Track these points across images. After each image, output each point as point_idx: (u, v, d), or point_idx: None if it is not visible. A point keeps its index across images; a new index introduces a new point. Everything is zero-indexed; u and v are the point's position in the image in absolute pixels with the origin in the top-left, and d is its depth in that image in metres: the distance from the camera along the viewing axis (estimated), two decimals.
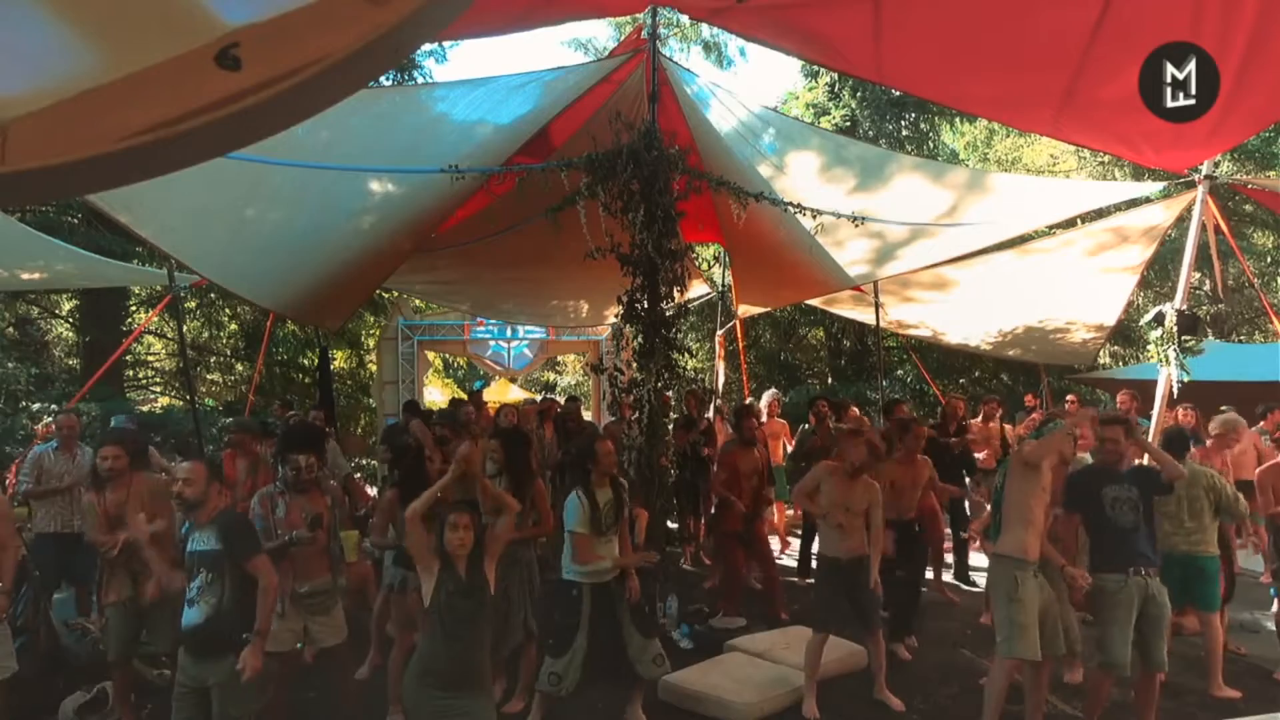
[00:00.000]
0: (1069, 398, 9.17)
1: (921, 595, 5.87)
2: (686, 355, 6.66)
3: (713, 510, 7.30)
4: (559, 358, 21.74)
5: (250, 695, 3.21)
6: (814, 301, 10.73)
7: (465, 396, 12.30)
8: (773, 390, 9.25)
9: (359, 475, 7.98)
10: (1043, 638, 3.86)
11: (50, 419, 9.54)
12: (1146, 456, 4.62)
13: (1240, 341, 15.57)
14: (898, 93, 13.87)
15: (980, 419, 7.96)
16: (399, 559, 4.31)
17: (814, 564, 5.18)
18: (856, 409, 7.62)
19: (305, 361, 14.03)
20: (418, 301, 14.64)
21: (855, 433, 4.76)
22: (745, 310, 10.87)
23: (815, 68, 14.64)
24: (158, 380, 15.06)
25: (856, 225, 6.36)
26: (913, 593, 5.54)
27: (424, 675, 3.10)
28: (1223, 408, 6.81)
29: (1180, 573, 4.70)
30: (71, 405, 9.35)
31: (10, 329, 13.15)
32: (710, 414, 9.09)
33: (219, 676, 3.12)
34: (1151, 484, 4.09)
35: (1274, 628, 5.41)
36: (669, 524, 7.83)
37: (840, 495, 4.46)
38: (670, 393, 6.24)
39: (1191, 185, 6.07)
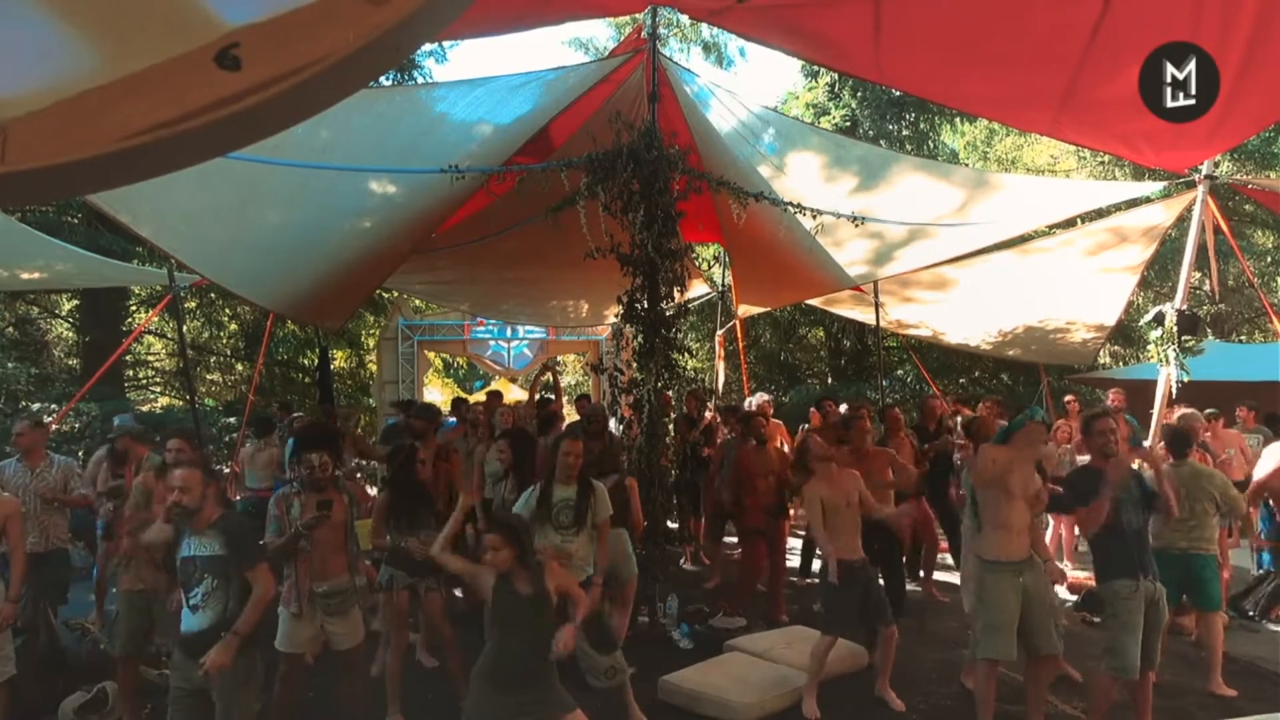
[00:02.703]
0: (1068, 398, 9.16)
1: (905, 591, 5.92)
2: (686, 355, 6.65)
3: (712, 510, 7.30)
4: (559, 358, 21.75)
5: (252, 696, 3.22)
6: (814, 301, 10.74)
7: (466, 396, 12.32)
8: (761, 394, 9.24)
9: (359, 475, 7.98)
10: (1034, 636, 3.87)
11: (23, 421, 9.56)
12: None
13: (1240, 341, 15.57)
14: (898, 93, 13.87)
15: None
16: (389, 559, 4.31)
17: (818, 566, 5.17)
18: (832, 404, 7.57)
19: (305, 361, 14.04)
20: (418, 301, 14.65)
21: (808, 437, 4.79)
22: (745, 310, 10.87)
23: (815, 68, 14.64)
24: (158, 380, 15.07)
25: (856, 225, 6.36)
26: (896, 587, 5.58)
27: (490, 676, 3.12)
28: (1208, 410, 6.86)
29: (1180, 572, 4.70)
30: (72, 405, 9.39)
31: (10, 329, 13.16)
32: (709, 414, 9.09)
33: (223, 679, 3.10)
34: (1149, 500, 4.06)
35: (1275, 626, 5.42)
36: (669, 524, 7.82)
37: (834, 495, 4.46)
38: (670, 393, 6.24)
39: (1191, 185, 6.07)
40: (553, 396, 8.90)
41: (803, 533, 7.57)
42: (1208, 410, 7.23)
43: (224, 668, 3.04)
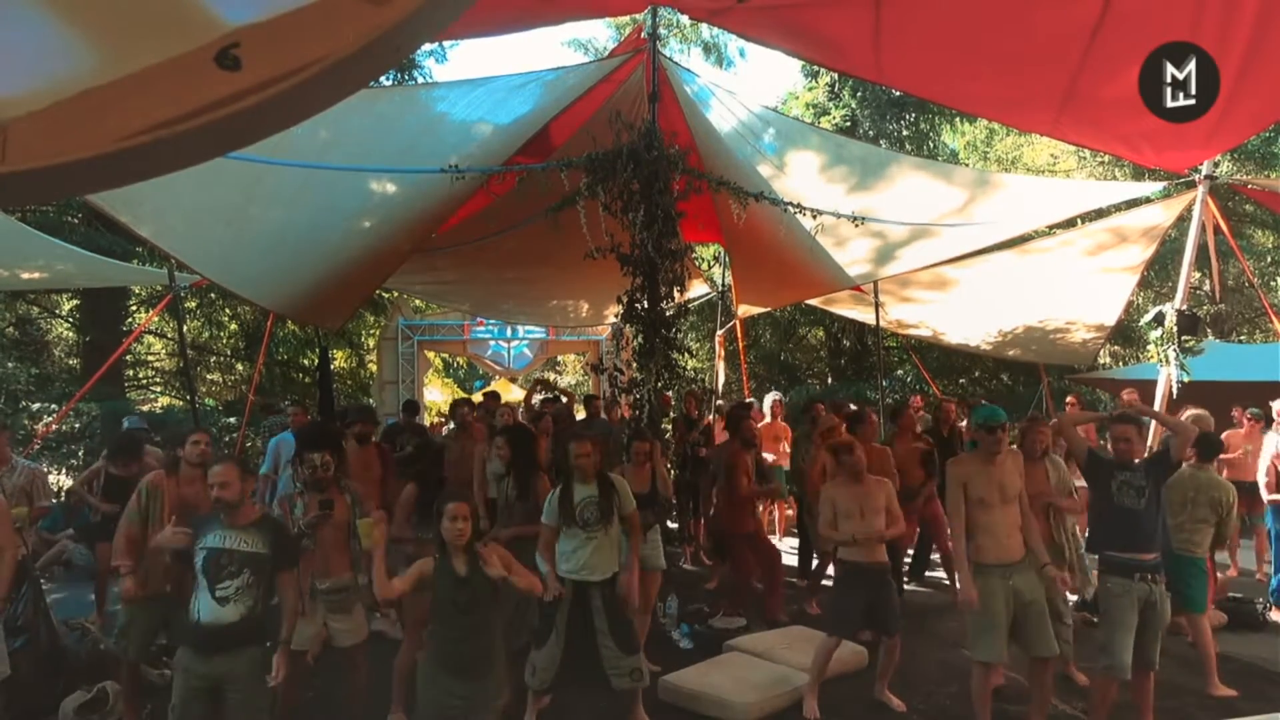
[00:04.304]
0: (1069, 399, 9.16)
1: (900, 598, 5.90)
2: (686, 355, 6.64)
3: (711, 511, 7.28)
4: (559, 358, 21.75)
5: (266, 689, 3.28)
6: (814, 301, 10.74)
7: (469, 396, 12.32)
8: (775, 393, 9.24)
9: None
10: (1027, 638, 3.87)
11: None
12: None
13: (1240, 341, 15.56)
14: (898, 93, 13.87)
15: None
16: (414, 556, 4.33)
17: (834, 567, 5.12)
18: (822, 407, 7.51)
19: (305, 361, 14.04)
20: (418, 301, 14.65)
21: (835, 444, 4.76)
22: (745, 310, 10.87)
23: (815, 68, 14.64)
24: (158, 380, 15.06)
25: (857, 225, 6.36)
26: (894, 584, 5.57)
27: (431, 662, 3.24)
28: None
29: (1167, 569, 4.73)
30: (72, 405, 9.39)
31: (10, 329, 13.15)
32: (711, 415, 9.10)
33: (239, 670, 3.15)
34: (1161, 466, 4.07)
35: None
36: (669, 524, 7.82)
37: (851, 503, 4.45)
38: (670, 393, 6.23)
39: (1191, 185, 6.08)
40: (564, 397, 8.91)
41: (797, 531, 7.56)
42: (1250, 410, 7.26)
43: (288, 673, 3.20)
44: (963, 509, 3.98)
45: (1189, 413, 5.58)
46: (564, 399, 8.74)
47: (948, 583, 6.64)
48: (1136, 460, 4.05)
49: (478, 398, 9.00)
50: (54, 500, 6.46)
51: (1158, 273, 12.01)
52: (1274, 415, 7.01)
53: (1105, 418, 4.99)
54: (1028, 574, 3.91)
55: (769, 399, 8.59)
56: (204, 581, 3.17)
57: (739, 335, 12.26)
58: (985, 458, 4.00)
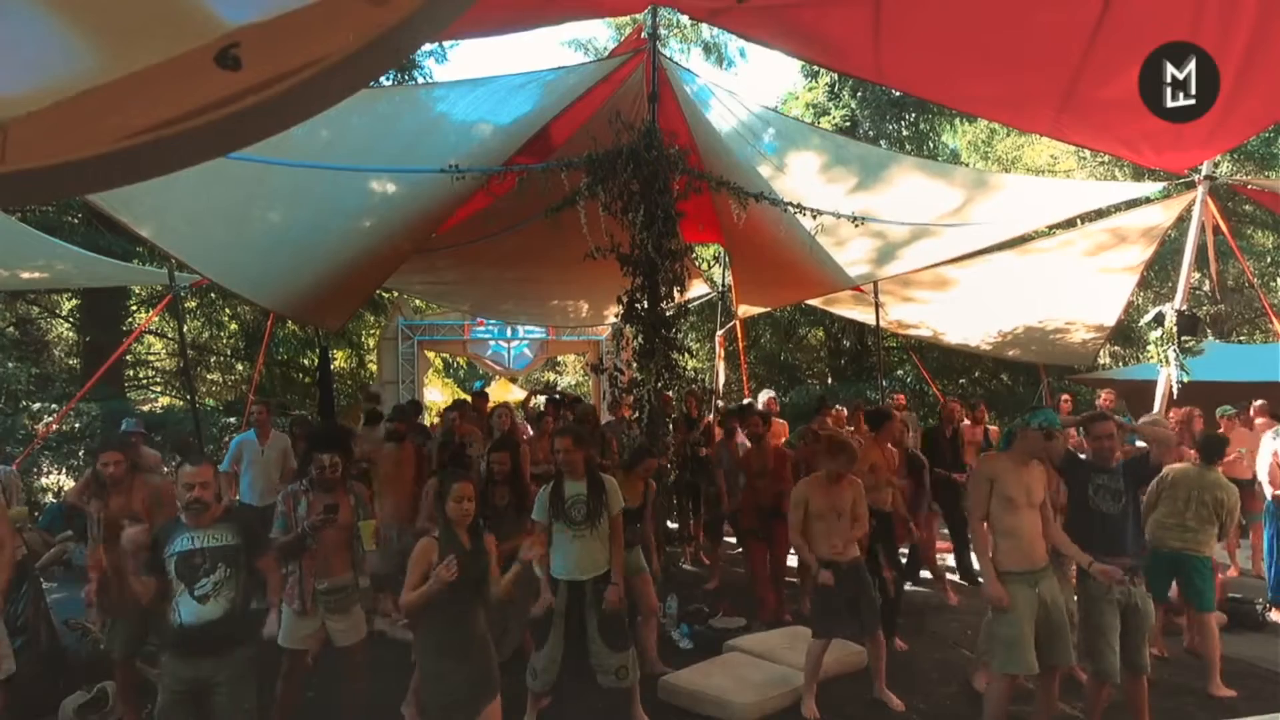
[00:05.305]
0: (1063, 398, 9.17)
1: (903, 590, 5.89)
2: (686, 355, 6.63)
3: (709, 511, 7.30)
4: (559, 358, 21.75)
5: (253, 690, 3.25)
6: (814, 301, 10.73)
7: (468, 397, 12.32)
8: (769, 391, 9.25)
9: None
10: (1048, 646, 3.78)
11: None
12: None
13: (1240, 341, 15.56)
14: (898, 93, 13.87)
15: (969, 422, 7.90)
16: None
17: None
18: (845, 410, 7.51)
19: (305, 361, 14.03)
20: (418, 301, 14.66)
21: (827, 441, 4.75)
22: (745, 310, 10.87)
23: (815, 68, 14.64)
24: (158, 380, 15.06)
25: (857, 225, 6.36)
26: (897, 585, 5.56)
27: (432, 656, 3.21)
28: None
29: (1170, 569, 4.75)
30: (72, 405, 9.39)
31: (10, 329, 13.15)
32: (710, 415, 9.09)
33: (226, 671, 3.12)
34: (1138, 472, 4.06)
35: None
36: (669, 524, 7.82)
37: (826, 502, 4.44)
38: (670, 393, 6.24)
39: (1191, 185, 6.08)
40: (563, 398, 8.93)
41: None
42: (1221, 408, 7.29)
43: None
44: (984, 506, 3.86)
45: (1145, 418, 5.56)
46: (566, 401, 8.75)
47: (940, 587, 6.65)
48: (1115, 463, 4.03)
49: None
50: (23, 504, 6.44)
51: (1158, 273, 12.00)
52: (1251, 413, 7.05)
53: (1082, 420, 4.95)
54: (1051, 580, 3.83)
55: (763, 396, 8.61)
56: (180, 585, 3.12)
57: (739, 335, 12.25)
58: (1021, 459, 3.85)
